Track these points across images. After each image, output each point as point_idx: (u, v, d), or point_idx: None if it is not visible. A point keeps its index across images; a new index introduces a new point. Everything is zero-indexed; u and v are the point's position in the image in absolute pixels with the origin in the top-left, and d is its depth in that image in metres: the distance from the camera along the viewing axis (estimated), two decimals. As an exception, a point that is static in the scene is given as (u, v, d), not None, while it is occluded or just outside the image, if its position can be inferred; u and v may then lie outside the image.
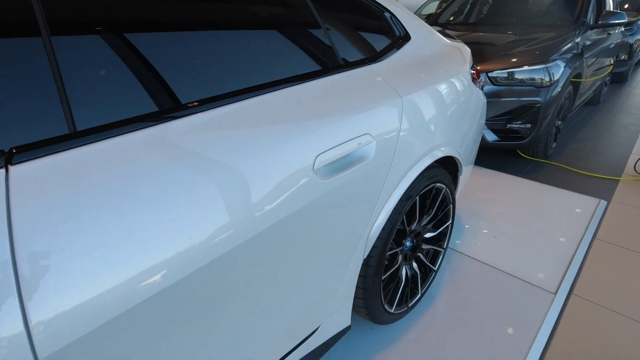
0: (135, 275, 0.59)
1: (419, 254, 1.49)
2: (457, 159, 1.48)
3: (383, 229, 1.14)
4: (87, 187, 0.58)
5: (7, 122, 0.54)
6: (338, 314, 1.13)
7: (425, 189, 1.31)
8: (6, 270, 0.49)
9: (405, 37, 1.33)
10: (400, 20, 1.35)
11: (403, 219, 1.27)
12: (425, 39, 1.42)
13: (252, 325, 0.83)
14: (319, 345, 1.11)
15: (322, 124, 0.89)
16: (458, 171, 1.57)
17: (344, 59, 1.07)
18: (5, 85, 0.55)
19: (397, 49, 1.25)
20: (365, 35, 1.20)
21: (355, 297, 1.23)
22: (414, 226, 1.38)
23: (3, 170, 0.52)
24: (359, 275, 1.17)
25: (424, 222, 1.44)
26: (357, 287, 1.20)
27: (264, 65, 0.89)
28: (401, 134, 1.09)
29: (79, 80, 0.62)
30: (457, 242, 1.96)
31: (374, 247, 1.15)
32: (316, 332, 1.06)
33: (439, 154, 1.30)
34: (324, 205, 0.90)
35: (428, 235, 1.50)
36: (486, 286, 1.66)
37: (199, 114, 0.74)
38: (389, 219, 1.15)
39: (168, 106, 0.71)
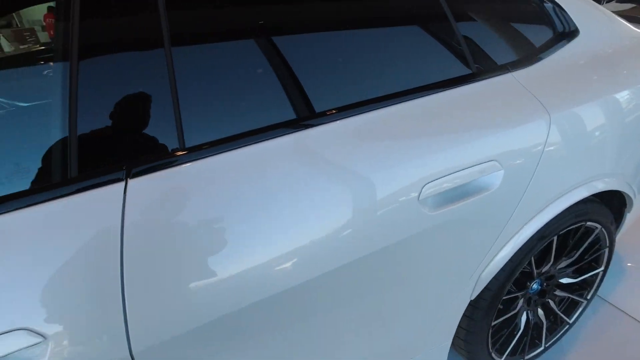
0: (231, 282, 0.62)
1: (549, 301, 1.22)
2: (626, 194, 1.13)
3: (501, 270, 0.95)
4: (204, 195, 0.62)
5: (127, 138, 0.62)
6: (434, 350, 1.01)
7: (570, 228, 1.04)
8: (114, 268, 0.56)
9: (571, 33, 1.04)
10: (567, 11, 1.06)
11: (531, 260, 1.05)
12: (601, 32, 1.09)
13: (342, 348, 0.81)
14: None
15: (436, 146, 0.77)
16: (625, 207, 1.21)
17: (477, 66, 0.90)
18: (129, 104, 0.62)
19: (554, 50, 0.99)
20: (511, 34, 0.98)
21: (457, 337, 1.08)
22: (545, 268, 1.12)
23: (123, 183, 0.59)
24: (464, 315, 1.02)
25: (561, 265, 1.16)
26: (459, 326, 1.05)
27: (377, 75, 0.81)
28: (542, 161, 0.87)
29: (193, 93, 0.66)
30: (613, 291, 1.54)
31: (486, 288, 0.97)
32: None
33: (599, 187, 1.01)
34: (428, 239, 0.79)
35: (565, 281, 1.21)
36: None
37: (307, 129, 0.72)
38: (510, 260, 0.95)
39: (283, 118, 0.71)
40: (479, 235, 0.86)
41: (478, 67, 0.90)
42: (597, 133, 0.95)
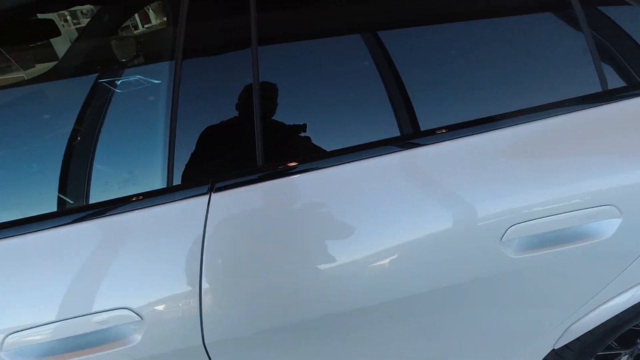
0: (294, 293, 0.67)
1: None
2: None
3: (600, 325, 0.81)
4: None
5: (212, 157, 0.67)
6: None
7: None
8: (195, 268, 0.64)
9: None
10: None
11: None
12: None
13: None
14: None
15: (532, 183, 0.66)
16: None
17: (611, 83, 0.72)
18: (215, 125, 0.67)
19: None
20: None
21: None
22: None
23: (206, 196, 0.66)
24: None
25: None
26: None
27: (490, 92, 0.72)
28: None
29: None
30: None
31: (576, 339, 0.85)
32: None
33: None
34: (505, 282, 0.71)
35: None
36: None
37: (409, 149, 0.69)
38: (615, 317, 0.80)
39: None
40: (572, 288, 0.74)
41: (612, 83, 0.72)
42: None
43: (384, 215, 0.66)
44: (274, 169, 0.67)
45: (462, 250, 0.67)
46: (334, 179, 0.67)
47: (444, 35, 0.74)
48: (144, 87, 0.72)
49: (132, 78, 0.73)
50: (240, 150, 0.68)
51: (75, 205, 0.68)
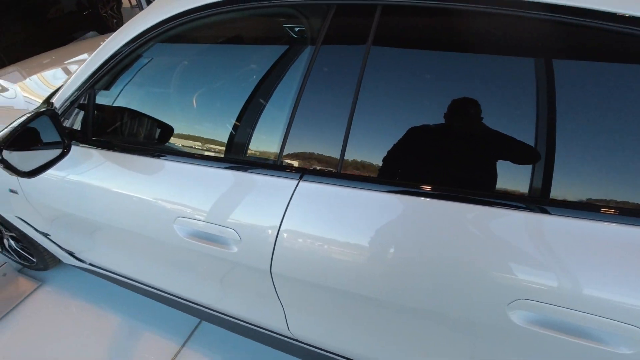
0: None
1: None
2: None
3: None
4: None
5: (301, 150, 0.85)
6: None
7: None
8: (273, 232, 0.84)
9: None
10: None
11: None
12: None
13: None
14: None
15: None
16: None
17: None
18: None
19: None
20: None
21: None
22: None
23: (296, 181, 0.85)
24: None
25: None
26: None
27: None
28: None
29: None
30: None
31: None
32: None
33: None
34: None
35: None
36: None
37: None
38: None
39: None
40: None
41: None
42: None
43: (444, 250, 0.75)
44: (347, 178, 0.81)
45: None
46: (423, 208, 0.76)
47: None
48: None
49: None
50: (326, 153, 0.84)
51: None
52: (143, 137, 1.11)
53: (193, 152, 1.04)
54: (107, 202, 1.12)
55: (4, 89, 1.66)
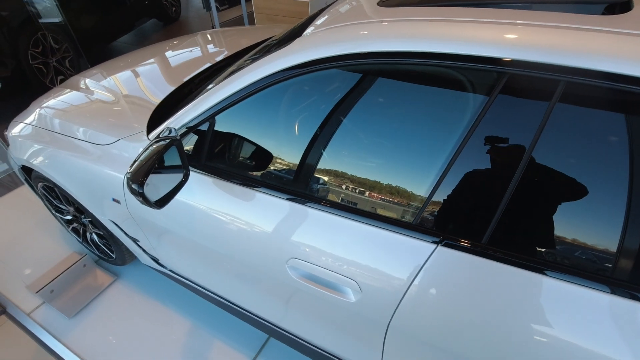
0: None
1: None
2: None
3: None
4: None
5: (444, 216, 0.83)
6: None
7: None
8: (401, 289, 0.82)
9: None
10: None
11: None
12: None
13: None
14: None
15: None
16: None
17: None
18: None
19: None
20: None
21: None
22: None
23: (434, 245, 0.83)
24: None
25: None
26: None
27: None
28: None
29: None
30: None
31: None
32: None
33: None
34: None
35: None
36: None
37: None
38: None
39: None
40: None
41: None
42: None
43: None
44: (493, 252, 0.78)
45: None
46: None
47: None
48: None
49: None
50: (476, 220, 0.80)
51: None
52: (263, 172, 1.11)
53: (319, 196, 1.02)
54: (215, 229, 1.14)
55: (104, 90, 1.72)
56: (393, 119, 0.90)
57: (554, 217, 0.75)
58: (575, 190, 0.74)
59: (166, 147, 0.99)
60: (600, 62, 0.67)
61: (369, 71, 0.91)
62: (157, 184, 1.02)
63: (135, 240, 1.56)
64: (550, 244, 0.76)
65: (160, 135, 1.05)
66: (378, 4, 1.03)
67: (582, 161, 0.72)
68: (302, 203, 1.01)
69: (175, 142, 1.02)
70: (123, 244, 1.72)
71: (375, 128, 0.93)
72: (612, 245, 0.70)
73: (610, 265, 0.71)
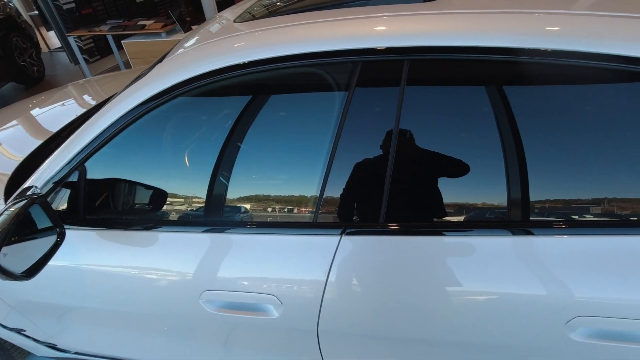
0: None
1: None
2: None
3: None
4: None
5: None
6: None
7: None
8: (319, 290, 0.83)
9: None
10: None
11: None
12: None
13: None
14: None
15: (612, 287, 0.73)
16: None
17: None
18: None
19: None
20: None
21: None
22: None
23: (338, 237, 0.84)
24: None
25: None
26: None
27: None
28: None
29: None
30: None
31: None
32: None
33: None
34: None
35: None
36: None
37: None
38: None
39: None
40: None
41: None
42: None
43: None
44: (393, 228, 0.83)
45: (530, 323, 0.79)
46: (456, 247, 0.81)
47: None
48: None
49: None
50: (370, 204, 0.84)
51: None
52: (159, 210, 1.02)
53: (212, 220, 0.98)
54: (113, 286, 1.01)
55: None
56: (277, 130, 0.92)
57: (438, 184, 0.82)
58: (446, 160, 0.83)
59: (24, 208, 0.85)
60: (429, 39, 0.77)
61: (246, 83, 0.90)
62: (23, 252, 0.87)
63: (20, 331, 1.30)
64: (442, 208, 0.83)
65: (18, 197, 0.90)
66: (235, 21, 1.05)
67: (440, 132, 0.81)
68: (206, 231, 0.95)
69: (37, 200, 0.88)
70: (5, 342, 1.42)
71: (262, 141, 0.93)
72: (502, 194, 0.80)
73: (505, 212, 0.80)
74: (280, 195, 0.93)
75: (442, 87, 0.82)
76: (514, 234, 0.78)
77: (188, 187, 1.00)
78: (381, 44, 0.78)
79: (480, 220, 0.81)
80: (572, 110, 0.76)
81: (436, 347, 0.88)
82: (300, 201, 0.91)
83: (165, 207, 1.02)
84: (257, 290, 0.90)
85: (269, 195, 0.94)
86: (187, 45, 1.03)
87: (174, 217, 1.01)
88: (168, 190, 1.02)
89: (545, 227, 0.77)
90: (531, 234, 0.77)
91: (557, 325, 0.77)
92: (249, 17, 1.07)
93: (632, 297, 0.72)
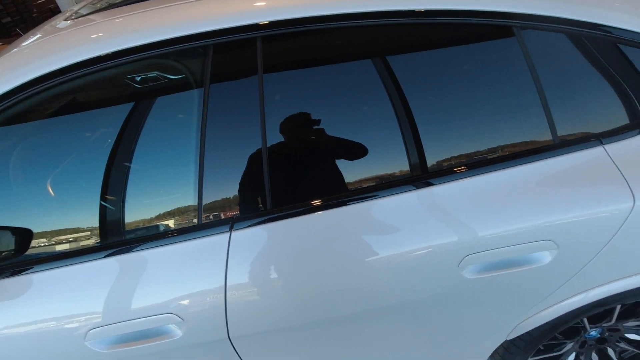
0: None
1: (608, 348, 1.21)
2: None
3: (544, 324, 1.01)
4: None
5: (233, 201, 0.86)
6: None
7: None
8: (220, 295, 0.84)
9: None
10: None
11: (583, 319, 1.05)
12: None
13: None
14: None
15: (484, 223, 0.83)
16: None
17: (558, 136, 0.86)
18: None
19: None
20: (608, 94, 0.87)
21: (496, 353, 1.18)
22: (606, 324, 1.11)
23: (228, 233, 0.84)
24: (500, 345, 1.12)
25: (628, 324, 1.12)
26: (496, 351, 1.16)
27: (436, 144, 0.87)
28: (611, 245, 0.85)
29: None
30: None
31: (526, 332, 1.05)
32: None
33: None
34: (462, 298, 0.90)
35: (633, 337, 1.17)
36: None
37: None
38: (557, 318, 0.99)
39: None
40: (518, 298, 0.93)
41: (558, 136, 0.86)
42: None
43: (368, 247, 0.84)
44: (281, 212, 0.84)
45: (429, 272, 0.86)
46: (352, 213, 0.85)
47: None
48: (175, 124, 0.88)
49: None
50: (254, 194, 0.86)
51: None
52: (29, 248, 0.88)
53: (86, 248, 0.86)
54: None
55: None
56: (142, 137, 0.86)
57: (327, 160, 0.85)
58: (324, 136, 0.82)
59: None
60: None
61: (92, 87, 0.84)
62: None
63: None
64: (339, 181, 0.86)
65: None
66: (71, 19, 0.99)
67: (307, 106, 0.82)
68: (81, 262, 0.84)
69: None
70: None
71: (126, 152, 0.87)
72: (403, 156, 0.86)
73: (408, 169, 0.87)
74: (156, 204, 0.87)
75: (306, 62, 0.79)
76: (417, 187, 0.85)
77: (52, 218, 0.88)
78: (232, 24, 0.75)
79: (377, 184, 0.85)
80: (441, 67, 0.86)
81: (352, 322, 0.91)
82: (180, 206, 0.87)
83: (32, 246, 0.89)
84: (151, 313, 0.82)
85: (143, 207, 0.87)
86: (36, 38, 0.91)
87: (43, 252, 0.88)
88: (31, 227, 0.88)
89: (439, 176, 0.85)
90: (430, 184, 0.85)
91: (452, 268, 0.85)
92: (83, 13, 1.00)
93: (505, 227, 0.83)
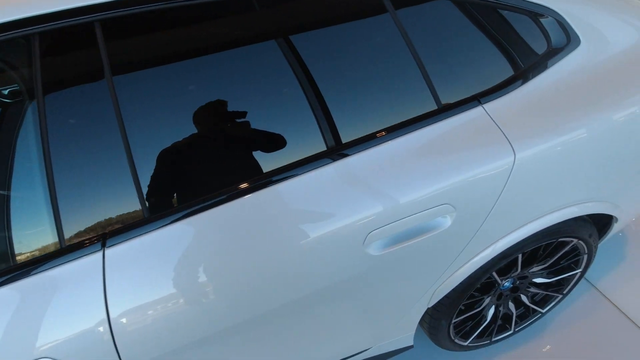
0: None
1: (521, 295, 1.30)
2: (610, 215, 1.10)
3: (458, 284, 1.04)
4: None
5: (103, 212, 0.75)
6: (401, 337, 1.15)
7: (538, 246, 1.07)
8: (103, 318, 0.73)
9: (568, 46, 0.94)
10: (569, 20, 0.93)
11: (492, 273, 1.11)
12: (616, 37, 0.96)
13: (328, 333, 0.98)
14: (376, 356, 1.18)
15: (382, 197, 0.82)
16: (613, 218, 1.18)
17: (440, 101, 0.87)
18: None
19: (541, 71, 0.91)
20: (487, 56, 0.91)
21: (423, 322, 1.21)
22: (514, 274, 1.19)
23: (100, 252, 0.73)
24: (426, 312, 1.14)
25: (533, 270, 1.21)
26: (423, 319, 1.18)
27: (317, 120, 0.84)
28: (502, 200, 0.89)
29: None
30: (603, 276, 1.56)
31: (444, 296, 1.08)
32: (371, 349, 1.13)
33: (575, 212, 1.00)
34: (375, 274, 0.89)
35: (540, 280, 1.27)
36: (618, 347, 1.35)
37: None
38: (468, 277, 1.03)
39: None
40: (429, 266, 0.94)
41: (440, 101, 0.87)
42: (575, 164, 0.92)
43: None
44: (162, 217, 0.76)
45: (335, 256, 0.83)
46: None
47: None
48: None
49: None
50: (120, 206, 0.75)
51: None
52: None
53: None
54: None
55: None
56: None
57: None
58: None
59: None
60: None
61: None
62: None
63: None
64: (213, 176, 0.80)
65: None
66: None
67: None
68: None
69: None
70: None
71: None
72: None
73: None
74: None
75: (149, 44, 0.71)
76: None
77: None
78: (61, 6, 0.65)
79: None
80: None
81: (267, 322, 0.85)
82: (33, 232, 0.73)
83: None
84: None
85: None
86: None
87: None
88: None
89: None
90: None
91: (357, 248, 0.83)
92: None
93: (402, 198, 0.83)
